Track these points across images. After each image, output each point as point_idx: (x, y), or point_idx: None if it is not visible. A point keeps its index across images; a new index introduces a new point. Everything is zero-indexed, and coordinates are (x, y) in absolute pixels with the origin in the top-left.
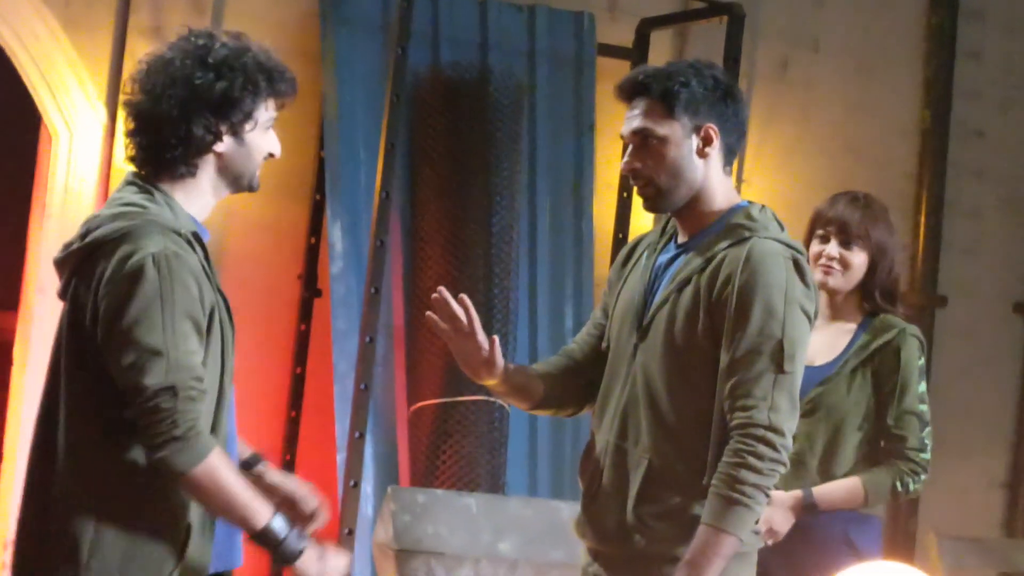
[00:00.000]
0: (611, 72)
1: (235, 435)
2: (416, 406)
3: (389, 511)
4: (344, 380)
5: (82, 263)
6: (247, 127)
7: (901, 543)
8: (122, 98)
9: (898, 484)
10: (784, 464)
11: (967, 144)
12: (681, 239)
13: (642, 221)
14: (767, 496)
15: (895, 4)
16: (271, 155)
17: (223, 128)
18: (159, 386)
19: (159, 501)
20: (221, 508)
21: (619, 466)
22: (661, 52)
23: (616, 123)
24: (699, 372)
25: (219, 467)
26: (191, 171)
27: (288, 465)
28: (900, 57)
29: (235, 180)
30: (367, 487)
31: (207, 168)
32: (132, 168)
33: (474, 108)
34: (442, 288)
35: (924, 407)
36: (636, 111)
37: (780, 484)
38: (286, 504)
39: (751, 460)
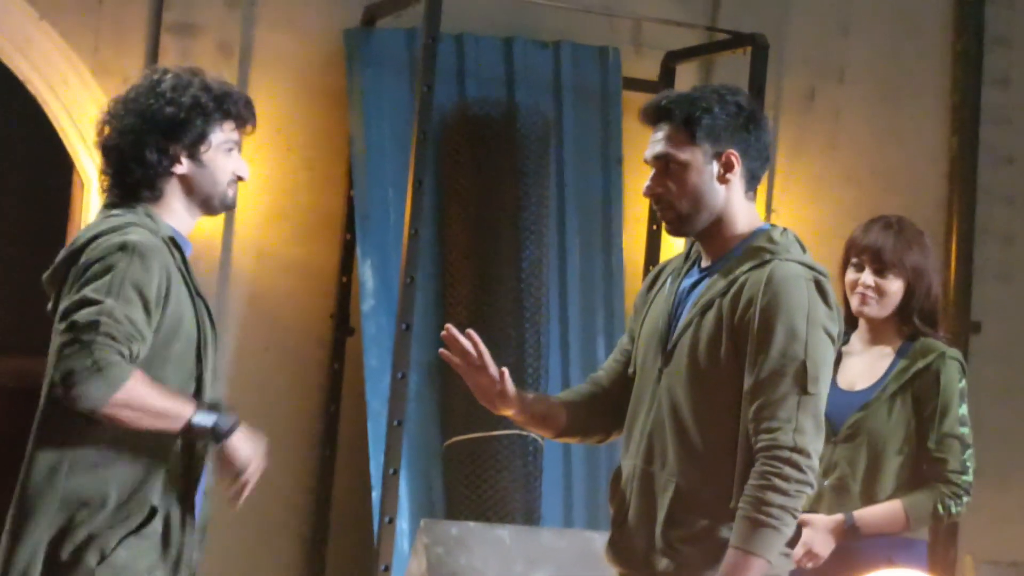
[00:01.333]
0: (637, 105)
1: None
2: (450, 441)
3: (422, 544)
4: (377, 417)
5: (65, 267)
6: (202, 148)
7: (941, 569)
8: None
9: (940, 507)
10: (811, 485)
11: (997, 170)
12: (704, 263)
13: (672, 254)
14: (795, 518)
15: (920, 31)
16: (239, 178)
17: (178, 151)
18: (84, 321)
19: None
20: (148, 424)
21: (646, 490)
22: (687, 85)
23: (643, 156)
24: (723, 395)
25: (136, 389)
26: (155, 195)
27: (323, 503)
28: (927, 84)
29: (205, 201)
30: (402, 523)
31: (174, 191)
32: (108, 198)
33: (501, 144)
34: (449, 325)
35: (965, 430)
36: (659, 136)
37: (823, 509)
38: None
39: (777, 482)
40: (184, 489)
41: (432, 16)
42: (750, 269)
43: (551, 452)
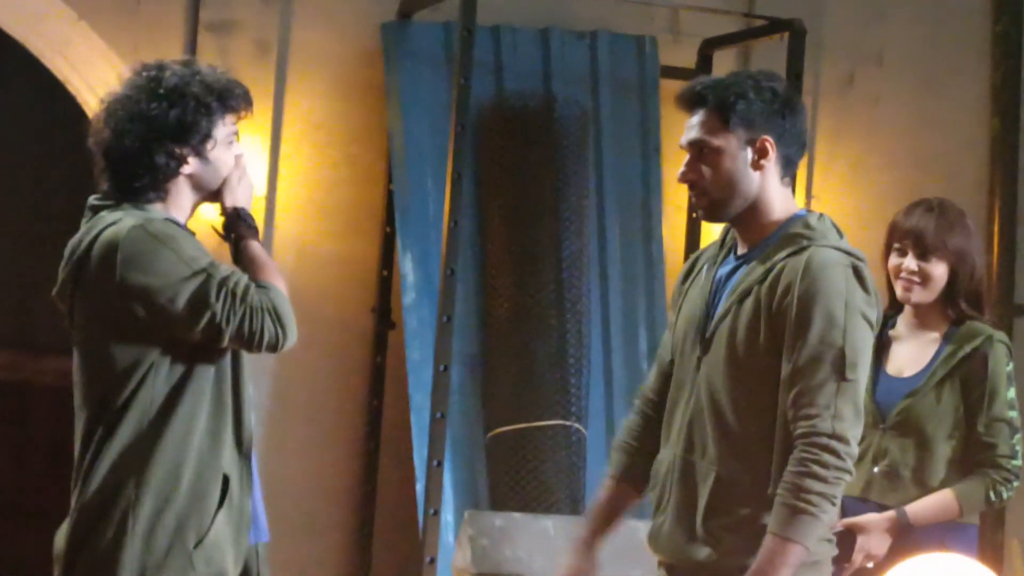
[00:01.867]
0: (675, 94)
1: (250, 400)
2: (493, 433)
3: (467, 536)
4: (420, 410)
5: (79, 271)
6: (208, 146)
7: (988, 553)
8: (89, 140)
9: (991, 494)
10: (849, 472)
11: None
12: (741, 250)
13: (712, 241)
14: (833, 505)
15: (958, 14)
16: (237, 157)
17: (185, 152)
18: (221, 299)
19: (200, 455)
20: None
21: (687, 479)
22: (724, 72)
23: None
24: (762, 383)
25: (276, 283)
26: (161, 196)
27: (368, 496)
28: (966, 66)
29: (210, 194)
30: (447, 515)
31: (180, 189)
32: (102, 197)
33: (539, 136)
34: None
35: (1014, 413)
36: (694, 121)
37: (874, 496)
38: None
39: (816, 469)
40: (240, 447)
41: (468, 8)
42: (787, 256)
43: (595, 442)
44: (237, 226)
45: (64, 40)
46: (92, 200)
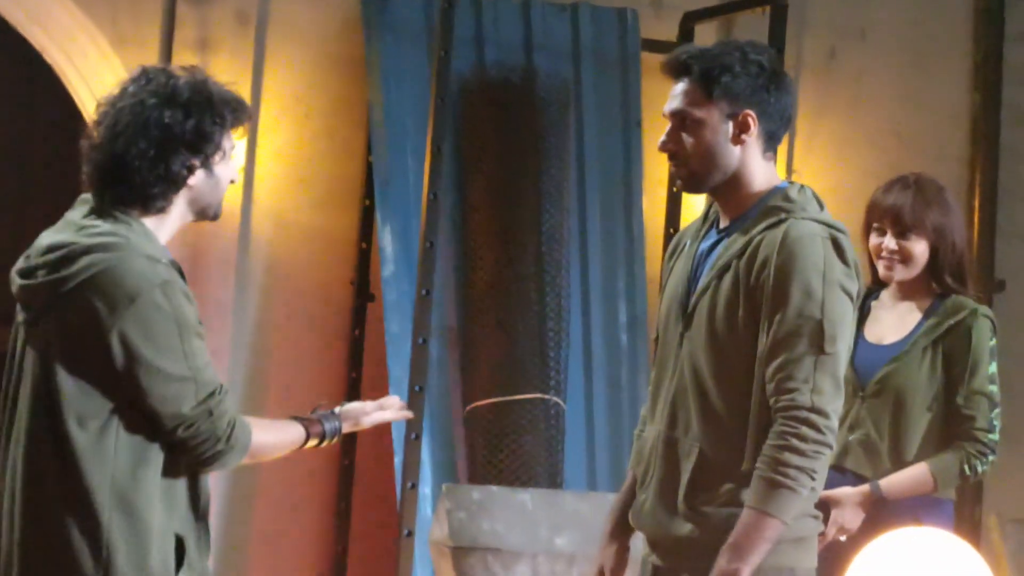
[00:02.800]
0: (656, 67)
1: None
2: (471, 406)
3: (444, 509)
4: (399, 383)
5: (65, 299)
6: (216, 159)
7: (966, 528)
8: (86, 140)
9: (966, 467)
10: (829, 446)
11: (1020, 129)
12: (722, 224)
13: (692, 217)
14: (812, 479)
15: None
16: (232, 181)
17: (196, 162)
18: (196, 413)
19: (160, 515)
20: (273, 455)
21: (670, 456)
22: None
23: (663, 119)
24: (743, 358)
25: (257, 441)
26: (166, 206)
27: (347, 469)
28: (948, 43)
29: (202, 210)
30: (425, 489)
31: (179, 202)
32: (97, 199)
33: (520, 108)
34: None
35: (994, 388)
36: (677, 91)
37: (850, 464)
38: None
39: (795, 443)
40: (196, 509)
41: None
42: (765, 229)
43: (573, 415)
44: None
45: (42, 10)
46: (87, 198)
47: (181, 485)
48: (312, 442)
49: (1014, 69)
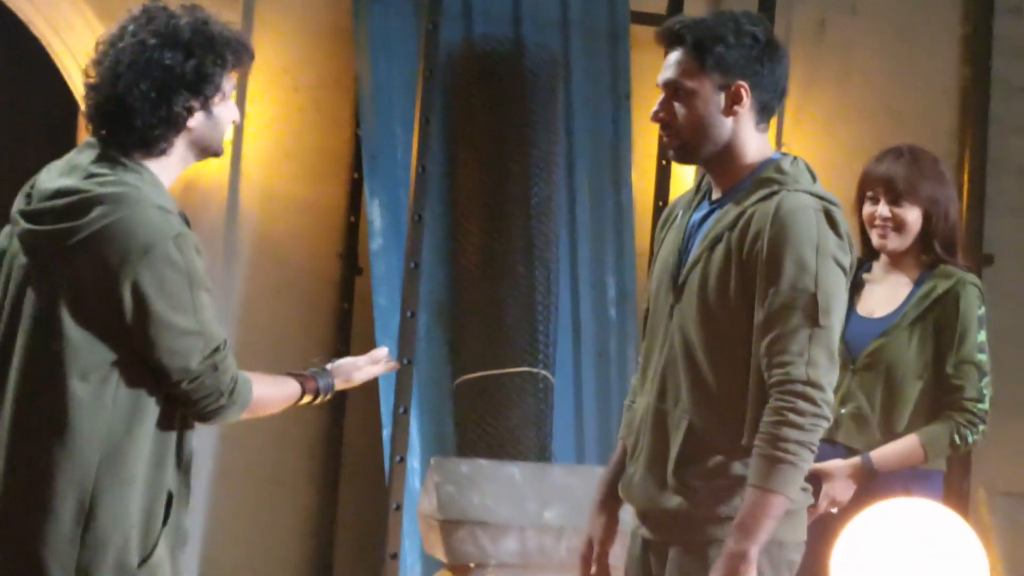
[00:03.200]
0: (646, 40)
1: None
2: (460, 379)
3: (433, 482)
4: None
5: (77, 248)
6: (216, 100)
7: (955, 501)
8: (86, 79)
9: (956, 437)
10: (826, 418)
11: (1010, 102)
12: (715, 196)
13: (682, 189)
14: (812, 452)
15: None
16: (233, 122)
17: (196, 104)
18: (202, 367)
19: (147, 471)
20: (271, 411)
21: (659, 428)
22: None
23: (652, 92)
24: (734, 331)
25: (257, 396)
26: (167, 148)
27: (335, 443)
28: (938, 15)
29: (203, 151)
30: (413, 462)
31: (181, 143)
32: (103, 144)
33: (509, 81)
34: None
35: (983, 356)
36: (671, 61)
37: (841, 437)
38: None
39: (792, 417)
40: (180, 465)
41: None
42: (757, 201)
43: (562, 389)
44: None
45: None
46: (93, 142)
47: (172, 441)
48: (307, 398)
49: (1005, 41)
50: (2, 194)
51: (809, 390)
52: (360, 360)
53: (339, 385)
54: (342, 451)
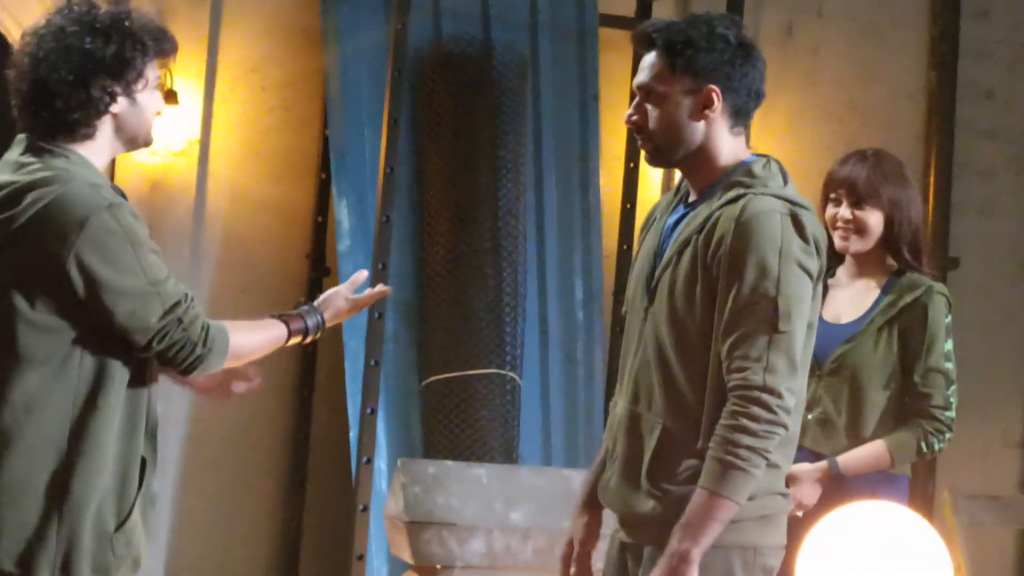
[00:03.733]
0: (613, 42)
1: (156, 383)
2: (427, 381)
3: (399, 483)
4: (355, 357)
5: (16, 235)
6: (139, 86)
7: (919, 503)
8: (11, 69)
9: (923, 445)
10: (782, 425)
11: (977, 105)
12: (691, 199)
13: (649, 192)
14: (765, 459)
15: None
16: (158, 113)
17: (118, 89)
18: (165, 323)
19: (120, 439)
20: (257, 354)
21: (633, 431)
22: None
23: (620, 94)
24: (700, 334)
25: (237, 342)
26: (90, 132)
27: (302, 443)
28: (905, 18)
29: (131, 139)
30: (380, 463)
31: (104, 129)
32: (28, 135)
33: (478, 82)
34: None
35: (950, 365)
36: (645, 64)
37: (808, 442)
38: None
39: (746, 422)
40: (147, 432)
41: None
42: (724, 204)
43: (529, 391)
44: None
45: None
46: (22, 137)
47: (143, 409)
48: (295, 339)
49: (971, 44)
50: None
51: (765, 396)
52: (342, 288)
53: (329, 320)
54: (309, 451)
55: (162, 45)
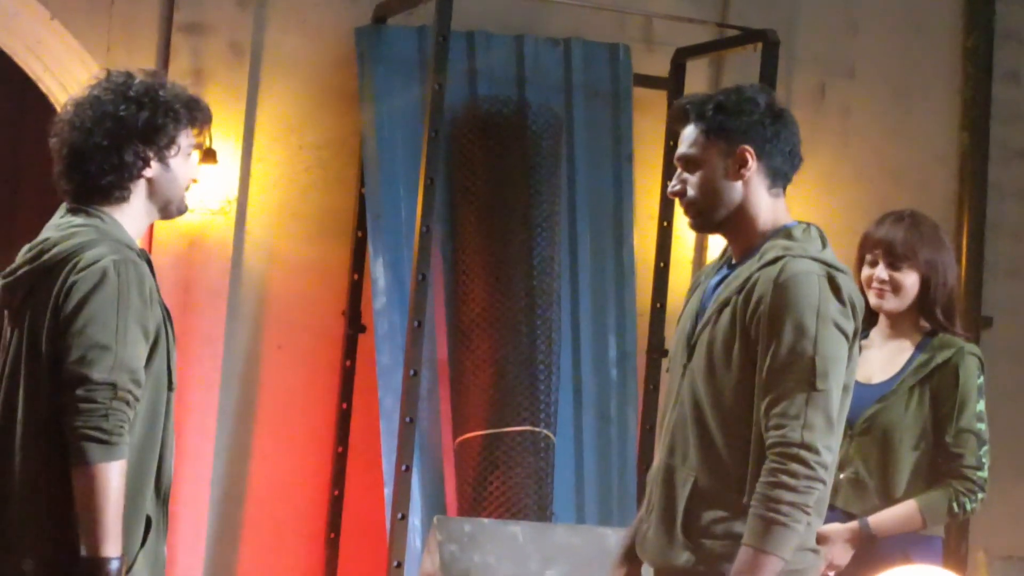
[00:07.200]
0: (648, 102)
1: (173, 446)
2: (462, 438)
3: (436, 541)
4: (390, 415)
5: (39, 280)
6: (171, 152)
7: (953, 564)
8: (53, 138)
9: (955, 505)
10: (822, 481)
11: (1008, 166)
12: (733, 261)
13: (683, 251)
14: (807, 514)
15: (929, 28)
16: (193, 180)
17: (150, 154)
18: (102, 380)
19: (127, 503)
20: (92, 513)
21: (668, 484)
22: (697, 81)
23: (653, 153)
24: (738, 392)
25: (117, 477)
26: (124, 195)
27: (337, 500)
28: (937, 81)
29: (165, 205)
30: (415, 520)
31: (139, 193)
32: (69, 202)
33: (512, 142)
34: None
35: (982, 426)
36: (682, 137)
37: (840, 502)
38: None
39: (785, 479)
40: (159, 493)
41: (443, 14)
42: (763, 266)
43: (563, 448)
44: None
45: (37, 39)
46: (67, 204)
47: (151, 470)
48: (104, 559)
49: (1002, 106)
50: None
51: (803, 453)
52: None
53: None
54: (343, 508)
55: (194, 113)
